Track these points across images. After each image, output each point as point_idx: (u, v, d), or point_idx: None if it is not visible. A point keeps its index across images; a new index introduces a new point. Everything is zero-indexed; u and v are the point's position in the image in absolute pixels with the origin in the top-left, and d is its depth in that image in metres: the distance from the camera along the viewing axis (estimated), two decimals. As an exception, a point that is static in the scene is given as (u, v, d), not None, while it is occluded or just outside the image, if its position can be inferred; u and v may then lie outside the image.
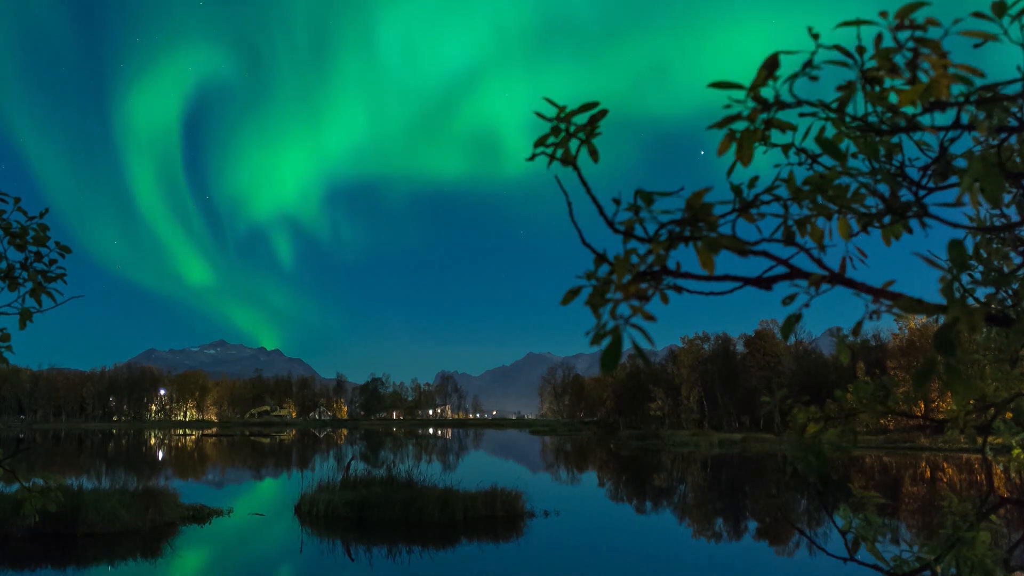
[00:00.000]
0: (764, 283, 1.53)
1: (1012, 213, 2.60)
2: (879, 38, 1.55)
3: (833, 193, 1.60)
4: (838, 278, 1.54)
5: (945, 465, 46.82)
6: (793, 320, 1.67)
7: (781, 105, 1.57)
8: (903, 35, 1.53)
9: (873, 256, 1.73)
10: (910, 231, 1.67)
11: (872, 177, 1.68)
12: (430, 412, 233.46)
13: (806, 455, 2.40)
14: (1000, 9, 1.56)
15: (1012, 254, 2.44)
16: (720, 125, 1.57)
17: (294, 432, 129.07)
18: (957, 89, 1.55)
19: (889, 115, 1.67)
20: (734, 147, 1.57)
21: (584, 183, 1.57)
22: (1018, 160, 2.02)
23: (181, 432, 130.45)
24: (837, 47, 1.56)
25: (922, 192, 1.88)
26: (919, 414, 2.94)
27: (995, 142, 1.79)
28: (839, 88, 1.63)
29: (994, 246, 2.45)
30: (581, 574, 15.24)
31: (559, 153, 1.62)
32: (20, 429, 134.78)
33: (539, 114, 1.61)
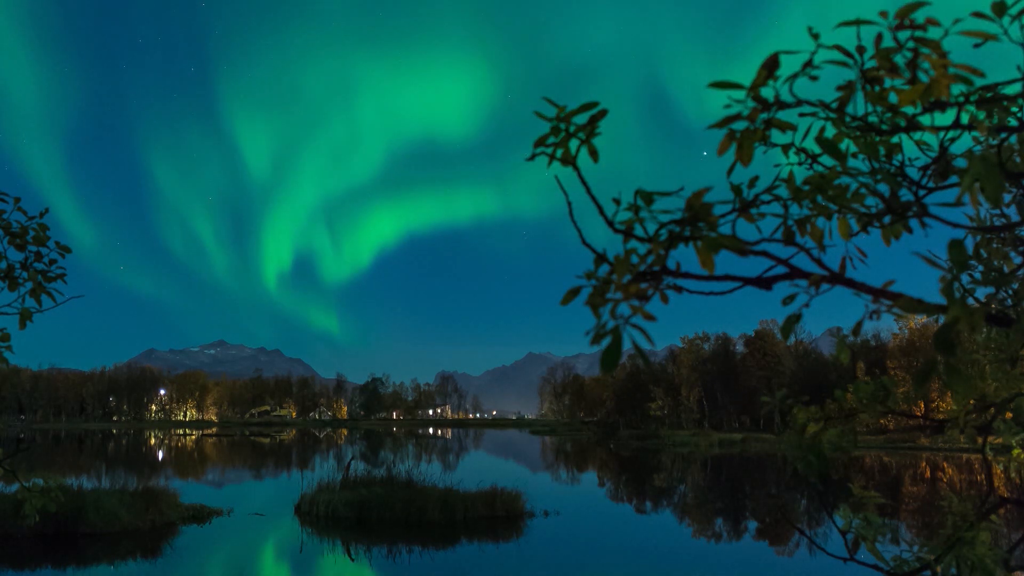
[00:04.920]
0: (764, 283, 1.53)
1: (1012, 213, 2.60)
2: (879, 38, 1.55)
3: (833, 193, 1.60)
4: (838, 278, 1.54)
5: (945, 465, 46.83)
6: (793, 320, 1.67)
7: (781, 105, 1.57)
8: (903, 35, 1.53)
9: (873, 256, 1.73)
10: (910, 231, 1.67)
11: (872, 177, 1.68)
12: (430, 412, 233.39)
13: (806, 455, 2.40)
14: (1000, 9, 1.56)
15: (1012, 254, 2.44)
16: (720, 125, 1.57)
17: (294, 432, 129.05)
18: (957, 89, 1.55)
19: (889, 115, 1.67)
20: (734, 147, 1.57)
21: (584, 183, 1.57)
22: (1018, 160, 2.02)
23: (181, 432, 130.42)
24: (837, 47, 1.56)
25: (922, 192, 1.88)
26: (919, 414, 2.94)
27: (995, 142, 1.79)
28: (839, 88, 1.63)
29: (994, 246, 2.45)
30: (581, 574, 15.24)
31: (559, 153, 1.62)
32: (20, 429, 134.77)
33: (539, 114, 1.61)
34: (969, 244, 2.39)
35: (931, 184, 1.90)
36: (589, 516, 24.56)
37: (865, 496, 2.69)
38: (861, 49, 1.58)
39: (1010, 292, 2.43)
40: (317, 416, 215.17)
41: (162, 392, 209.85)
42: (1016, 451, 2.99)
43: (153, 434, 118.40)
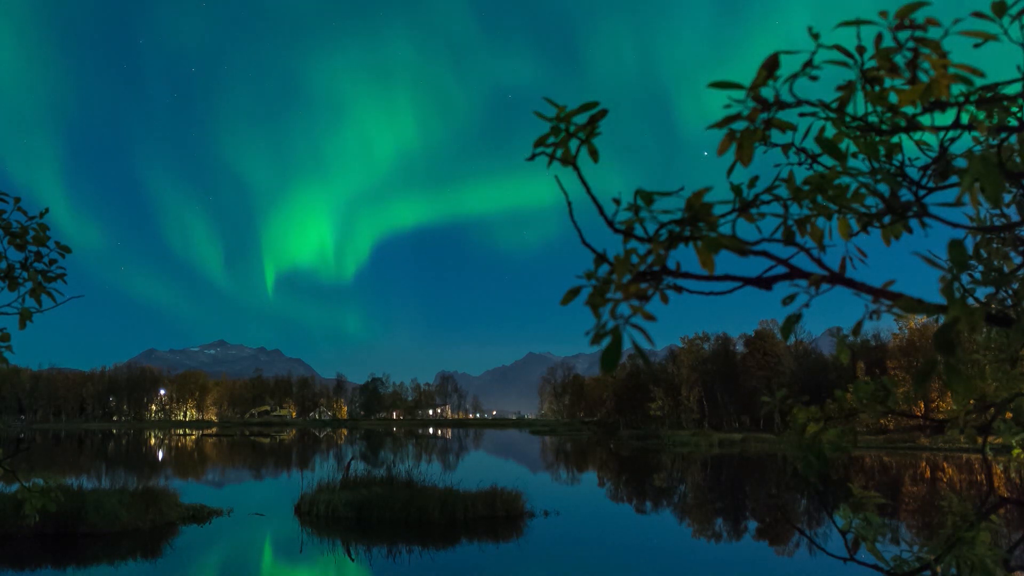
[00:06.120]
0: (764, 283, 1.53)
1: (1012, 213, 2.60)
2: (879, 38, 1.55)
3: (833, 193, 1.60)
4: (838, 278, 1.54)
5: (945, 465, 46.83)
6: (793, 320, 1.67)
7: (781, 105, 1.57)
8: (903, 35, 1.53)
9: (873, 256, 1.73)
10: (910, 231, 1.67)
11: (872, 177, 1.68)
12: (430, 412, 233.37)
13: (806, 455, 2.40)
14: (1000, 9, 1.56)
15: (1012, 254, 2.44)
16: (720, 125, 1.57)
17: (294, 432, 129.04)
18: (957, 89, 1.55)
19: (889, 115, 1.67)
20: (734, 147, 1.57)
21: (584, 183, 1.57)
22: (1018, 160, 2.02)
23: (181, 432, 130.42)
24: (837, 47, 1.56)
25: (922, 192, 1.89)
26: (919, 414, 2.94)
27: (995, 142, 1.79)
28: (839, 88, 1.63)
29: (994, 246, 2.45)
30: (581, 574, 15.24)
31: (559, 153, 1.62)
32: (20, 429, 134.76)
33: (538, 114, 1.61)
34: (969, 244, 2.39)
35: (931, 184, 1.90)
36: (589, 516, 24.55)
37: (865, 496, 2.69)
38: (861, 49, 1.58)
39: (1010, 292, 2.43)
40: (317, 416, 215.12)
41: (162, 392, 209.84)
42: (1016, 451, 2.99)
43: (153, 434, 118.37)
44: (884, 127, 1.70)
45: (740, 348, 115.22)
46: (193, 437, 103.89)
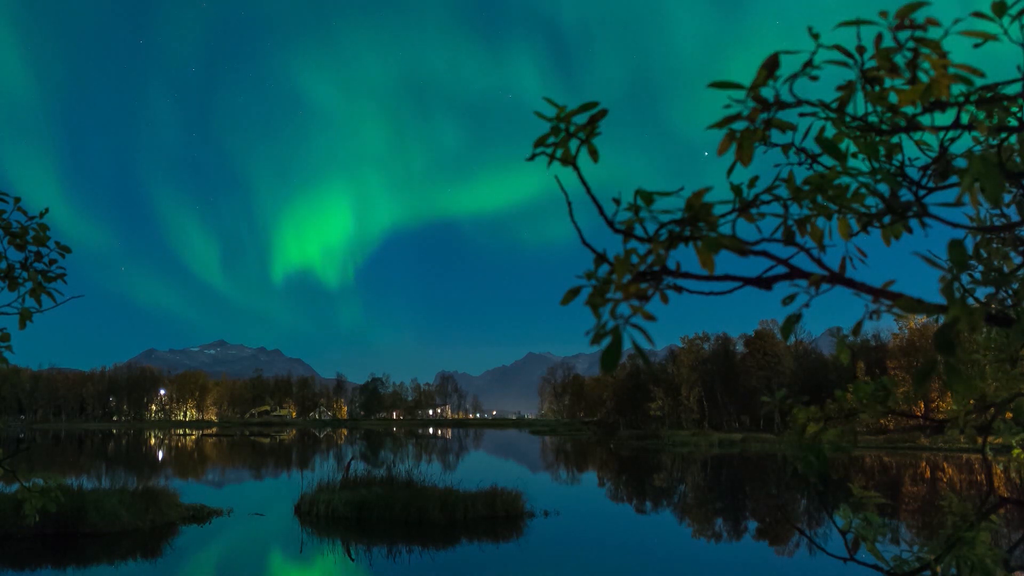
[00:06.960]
0: (764, 283, 1.53)
1: (1012, 213, 2.60)
2: (879, 38, 1.55)
3: (833, 193, 1.60)
4: (838, 278, 1.54)
5: (945, 465, 46.83)
6: (793, 320, 1.67)
7: (781, 105, 1.57)
8: (903, 35, 1.53)
9: (873, 256, 1.73)
10: (910, 231, 1.67)
11: (872, 177, 1.68)
12: (430, 412, 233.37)
13: (806, 455, 2.40)
14: (1000, 9, 1.56)
15: (1012, 254, 2.44)
16: (720, 125, 1.57)
17: (294, 432, 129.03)
18: (957, 89, 1.55)
19: (889, 115, 1.67)
20: (734, 147, 1.57)
21: (584, 183, 1.57)
22: (1018, 160, 2.02)
23: (181, 432, 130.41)
24: (837, 47, 1.56)
25: (922, 192, 1.89)
26: (919, 414, 2.94)
27: (995, 142, 1.79)
28: (839, 88, 1.63)
29: (994, 246, 2.45)
30: (581, 574, 15.24)
31: (559, 153, 1.61)
32: (20, 429, 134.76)
33: (539, 114, 1.60)
34: (969, 244, 2.39)
35: (931, 184, 1.90)
36: (589, 516, 24.55)
37: (865, 496, 2.69)
38: (861, 49, 1.58)
39: (1010, 292, 2.43)
40: (317, 416, 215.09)
41: (162, 392, 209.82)
42: (1016, 451, 2.99)
43: (153, 434, 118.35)
44: (884, 127, 1.70)
45: (740, 348, 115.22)
46: (193, 437, 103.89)
